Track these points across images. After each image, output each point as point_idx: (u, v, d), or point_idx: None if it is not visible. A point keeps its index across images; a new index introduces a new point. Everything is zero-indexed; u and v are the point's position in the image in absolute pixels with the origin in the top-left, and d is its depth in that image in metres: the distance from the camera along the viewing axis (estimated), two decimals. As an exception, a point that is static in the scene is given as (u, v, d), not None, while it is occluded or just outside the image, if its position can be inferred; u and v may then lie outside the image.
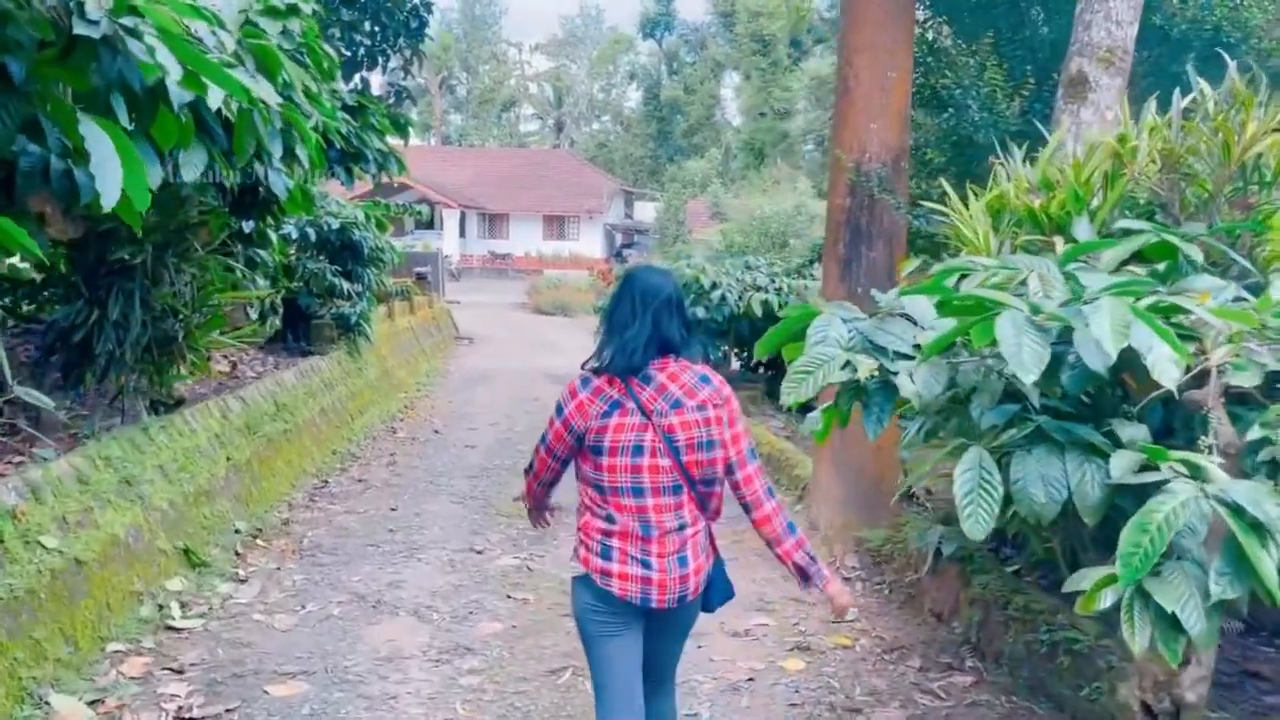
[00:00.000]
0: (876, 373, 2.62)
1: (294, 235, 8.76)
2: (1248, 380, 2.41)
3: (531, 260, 39.20)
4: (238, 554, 5.32)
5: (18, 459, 4.28)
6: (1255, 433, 2.38)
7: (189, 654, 4.04)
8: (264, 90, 3.34)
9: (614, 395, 2.38)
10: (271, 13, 4.24)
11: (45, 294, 5.69)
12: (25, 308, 6.01)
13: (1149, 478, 2.21)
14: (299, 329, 9.39)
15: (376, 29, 11.63)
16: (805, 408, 3.17)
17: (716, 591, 2.57)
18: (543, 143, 61.73)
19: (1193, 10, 7.36)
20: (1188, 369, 2.36)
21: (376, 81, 13.98)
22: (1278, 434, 2.37)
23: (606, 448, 2.36)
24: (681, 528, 2.41)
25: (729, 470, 2.45)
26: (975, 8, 8.68)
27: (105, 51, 2.39)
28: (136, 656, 3.93)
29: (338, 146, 6.62)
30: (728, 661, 4.19)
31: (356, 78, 11.85)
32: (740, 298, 9.62)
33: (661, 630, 2.54)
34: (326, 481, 7.14)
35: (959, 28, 9.08)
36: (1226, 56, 3.71)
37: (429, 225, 36.51)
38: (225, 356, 7.71)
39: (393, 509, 6.51)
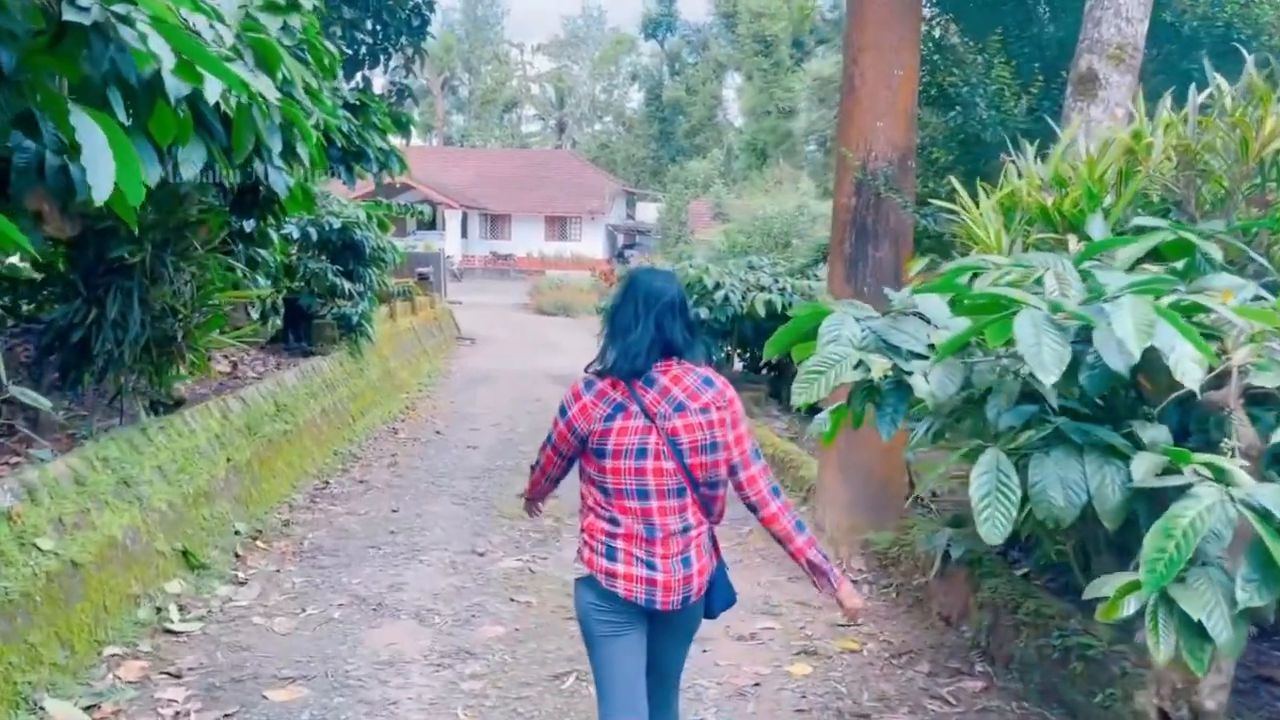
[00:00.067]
0: (890, 372, 2.56)
1: (295, 235, 8.71)
2: (1270, 380, 2.36)
3: (533, 261, 39.17)
4: (237, 556, 5.26)
5: (14, 460, 4.23)
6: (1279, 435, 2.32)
7: (187, 658, 3.98)
8: (263, 85, 3.28)
9: (618, 398, 2.38)
10: (271, 8, 4.19)
11: (45, 293, 5.65)
12: (25, 308, 5.96)
13: (1172, 481, 2.15)
14: (300, 329, 9.35)
15: (378, 27, 11.60)
16: (812, 409, 3.12)
17: (718, 596, 2.56)
18: (545, 143, 61.72)
19: (1203, 7, 7.30)
20: (1209, 369, 2.30)
21: (378, 81, 13.96)
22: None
23: (610, 450, 2.37)
24: (685, 530, 2.41)
25: (732, 471, 2.45)
26: (982, 5, 8.62)
27: (96, 39, 2.34)
28: (133, 660, 3.87)
29: (339, 145, 6.58)
30: (733, 666, 4.13)
31: (358, 76, 11.83)
32: (744, 298, 9.55)
33: (665, 632, 2.53)
34: (327, 482, 7.08)
35: (966, 25, 9.02)
36: (1245, 52, 3.65)
37: (431, 226, 36.49)
38: (226, 357, 7.66)
39: (394, 510, 6.45)
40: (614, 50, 60.33)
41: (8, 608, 3.38)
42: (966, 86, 7.90)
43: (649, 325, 2.37)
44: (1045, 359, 2.16)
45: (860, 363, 2.55)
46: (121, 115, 2.75)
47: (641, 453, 2.35)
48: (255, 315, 8.94)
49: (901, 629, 4.60)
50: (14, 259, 5.49)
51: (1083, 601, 3.69)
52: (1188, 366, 2.15)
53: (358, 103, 7.36)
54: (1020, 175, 3.91)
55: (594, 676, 2.50)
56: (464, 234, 39.87)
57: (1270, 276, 3.12)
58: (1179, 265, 2.93)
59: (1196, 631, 1.99)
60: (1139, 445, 2.37)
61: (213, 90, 2.55)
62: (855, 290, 5.48)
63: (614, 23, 76.00)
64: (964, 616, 4.46)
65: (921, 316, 2.79)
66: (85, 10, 2.23)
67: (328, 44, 5.40)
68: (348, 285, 9.48)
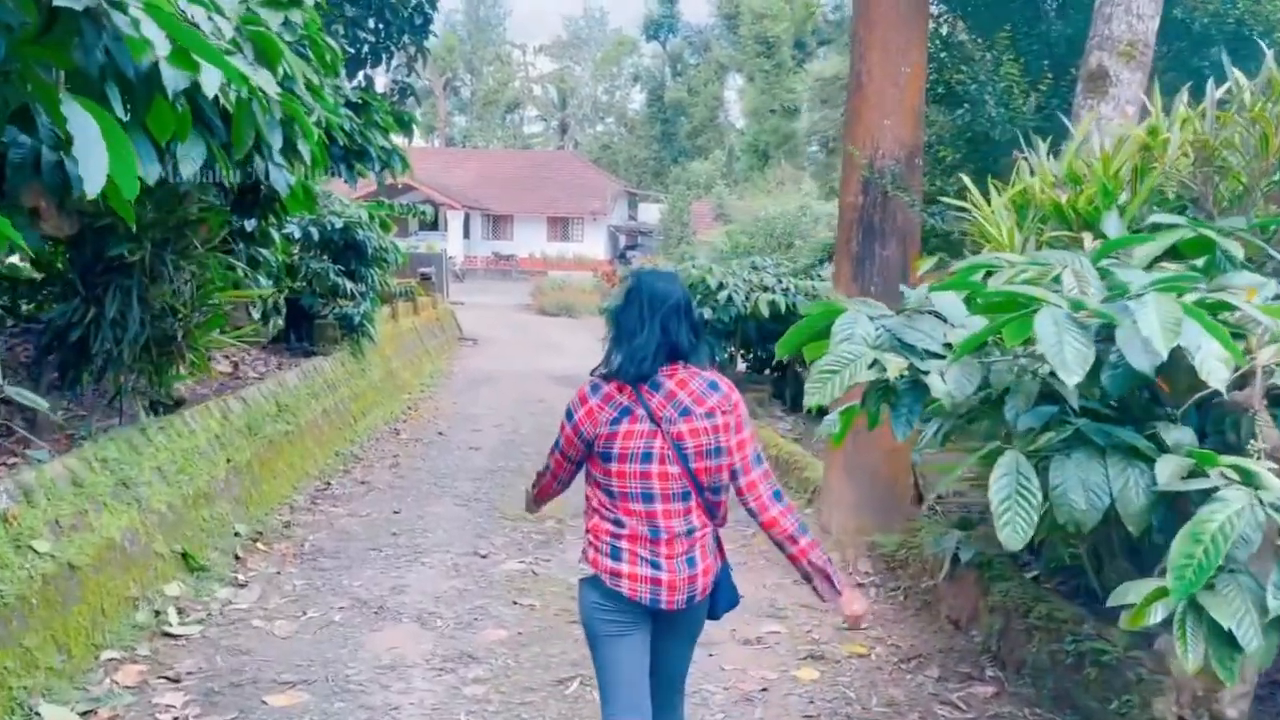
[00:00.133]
0: (906, 372, 2.49)
1: (297, 234, 8.66)
2: (1297, 381, 2.29)
3: (535, 261, 39.12)
4: (237, 558, 5.20)
5: (10, 461, 4.17)
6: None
7: (186, 662, 3.92)
8: (263, 79, 3.22)
9: (624, 402, 2.37)
10: (272, 3, 4.14)
11: (44, 293, 5.59)
12: (24, 307, 5.91)
13: (1199, 484, 2.08)
14: (302, 329, 9.31)
15: (380, 25, 11.56)
16: (819, 410, 3.05)
17: (722, 597, 2.54)
18: (547, 144, 61.67)
19: (1215, 4, 7.24)
20: (1235, 368, 2.24)
21: (380, 79, 13.91)
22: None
23: (616, 454, 2.36)
24: (690, 531, 2.40)
25: (733, 476, 2.43)
26: (990, 2, 8.57)
27: (88, 26, 2.27)
28: (131, 664, 3.81)
29: (340, 143, 6.53)
30: (739, 671, 4.06)
31: (360, 75, 11.78)
32: (747, 298, 9.50)
33: (670, 633, 2.51)
34: (329, 483, 7.02)
35: (974, 22, 8.96)
36: (1264, 46, 3.59)
37: (433, 226, 36.48)
38: (227, 357, 7.61)
39: (396, 512, 6.39)
40: (616, 51, 60.28)
41: (2, 611, 3.32)
42: (974, 84, 7.84)
43: (655, 329, 2.34)
44: (1068, 358, 2.09)
45: (875, 362, 2.49)
46: (119, 110, 2.69)
47: (647, 457, 2.34)
48: (256, 315, 8.90)
49: (910, 633, 4.54)
50: (13, 258, 5.43)
51: (1096, 606, 3.64)
52: (1214, 366, 2.08)
53: (360, 101, 7.31)
54: (1032, 172, 3.85)
55: (597, 677, 2.49)
56: (466, 234, 39.85)
57: (1290, 274, 3.05)
58: (1199, 263, 2.86)
59: (1226, 640, 1.92)
60: (1162, 447, 2.30)
61: (211, 81, 2.49)
62: (862, 289, 5.42)
63: (616, 24, 76.07)
64: (974, 620, 4.40)
65: (937, 315, 2.73)
66: (77, -6, 2.18)
67: (330, 41, 5.34)
68: (350, 285, 9.43)
